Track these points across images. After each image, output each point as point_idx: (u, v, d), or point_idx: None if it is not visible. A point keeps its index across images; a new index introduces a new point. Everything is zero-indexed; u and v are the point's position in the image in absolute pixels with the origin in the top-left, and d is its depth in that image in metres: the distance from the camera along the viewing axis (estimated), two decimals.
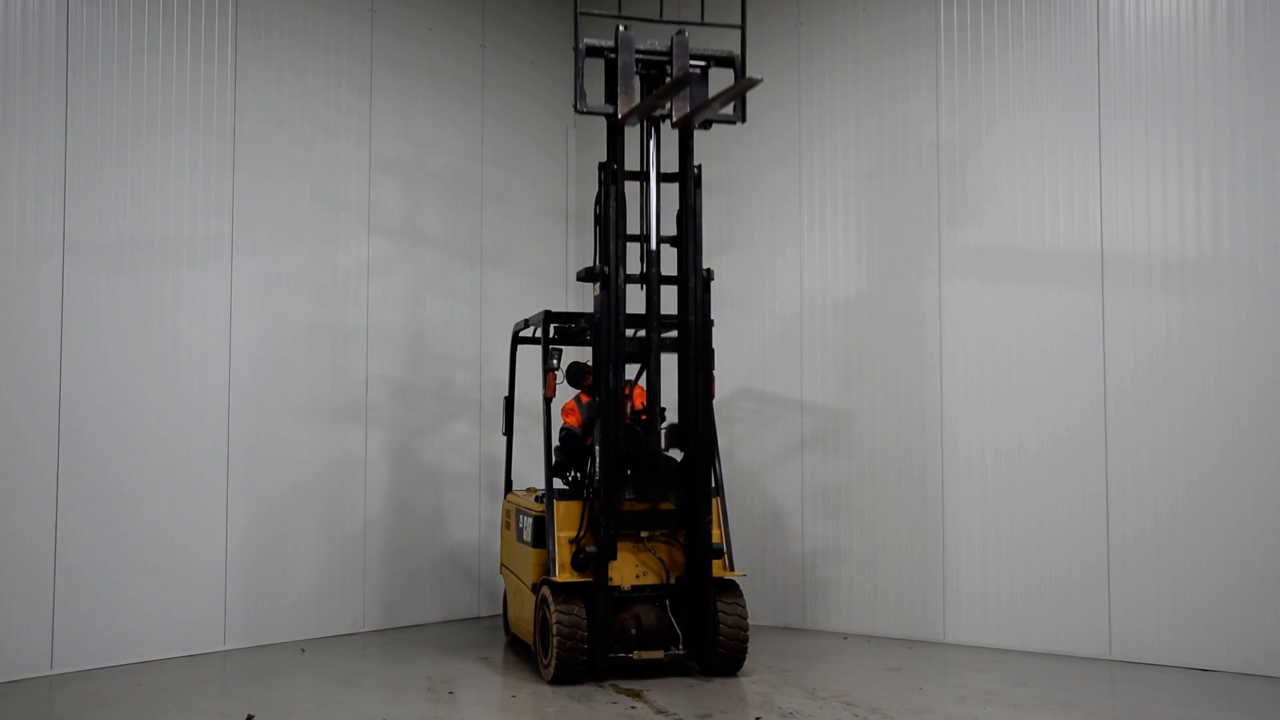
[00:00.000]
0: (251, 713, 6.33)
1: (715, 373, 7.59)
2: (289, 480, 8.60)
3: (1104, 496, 7.75)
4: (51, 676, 7.20)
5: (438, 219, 9.74)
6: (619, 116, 7.15)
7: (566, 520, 7.32)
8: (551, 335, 7.89)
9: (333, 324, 8.96)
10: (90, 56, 7.57)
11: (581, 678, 7.07)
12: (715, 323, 7.63)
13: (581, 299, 10.52)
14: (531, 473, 9.47)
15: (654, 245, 7.37)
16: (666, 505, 7.34)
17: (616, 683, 7.12)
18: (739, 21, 7.55)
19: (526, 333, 8.76)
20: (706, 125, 7.37)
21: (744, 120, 7.41)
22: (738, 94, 6.85)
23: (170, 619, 7.85)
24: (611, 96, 7.29)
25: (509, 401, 8.93)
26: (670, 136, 7.55)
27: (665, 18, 7.70)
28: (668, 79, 7.30)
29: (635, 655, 7.14)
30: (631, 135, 7.68)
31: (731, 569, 7.48)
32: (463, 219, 9.91)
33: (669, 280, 7.52)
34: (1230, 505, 7.28)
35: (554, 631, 6.98)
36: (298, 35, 8.80)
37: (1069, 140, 7.99)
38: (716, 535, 7.41)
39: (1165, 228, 7.58)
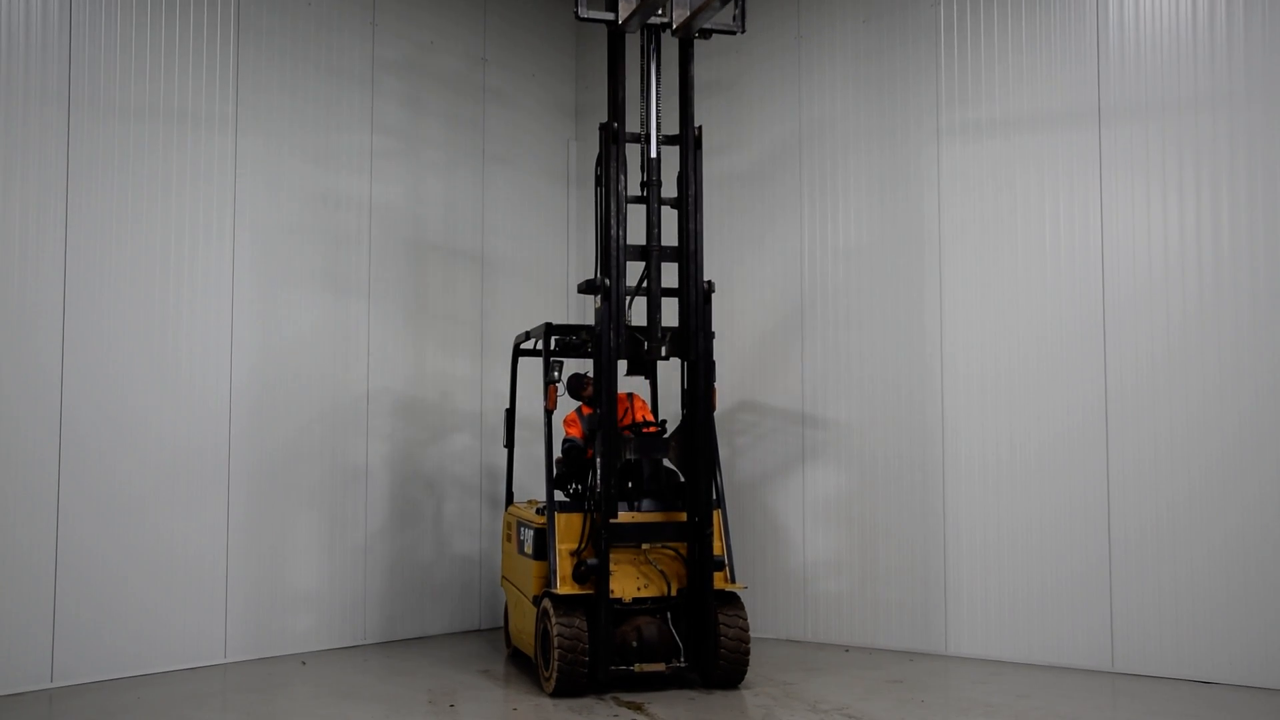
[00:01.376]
0: None
1: (716, 385, 7.57)
2: (290, 492, 8.60)
3: (1105, 506, 7.74)
4: (52, 690, 7.18)
5: (439, 225, 9.75)
6: (619, 22, 7.21)
7: (567, 532, 7.32)
8: (552, 347, 7.89)
9: (335, 336, 8.97)
10: (93, 46, 7.59)
11: (583, 690, 7.06)
12: (715, 335, 7.65)
13: (582, 312, 10.54)
14: (532, 485, 9.46)
15: (654, 153, 7.45)
16: (668, 517, 7.34)
17: (618, 695, 7.10)
18: None
19: (527, 345, 8.76)
20: (706, 35, 7.44)
21: (744, 30, 7.48)
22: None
23: (171, 631, 7.83)
24: (612, 4, 7.38)
25: (510, 414, 8.93)
26: (670, 95, 7.42)
27: None
28: None
29: (636, 668, 7.12)
30: (632, 103, 7.62)
31: (733, 581, 7.48)
32: (464, 223, 9.92)
33: (670, 293, 7.54)
34: (1229, 513, 7.28)
35: (555, 644, 6.96)
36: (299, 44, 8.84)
37: (1069, 153, 8.01)
38: (718, 547, 7.40)
39: (1165, 233, 7.59)
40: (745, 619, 7.29)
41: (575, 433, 8.04)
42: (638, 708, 6.79)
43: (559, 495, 7.78)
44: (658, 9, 7.22)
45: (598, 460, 7.28)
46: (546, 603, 7.22)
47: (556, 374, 7.78)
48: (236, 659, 8.17)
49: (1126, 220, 7.77)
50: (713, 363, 7.50)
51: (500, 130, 10.27)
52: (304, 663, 8.22)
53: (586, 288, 7.48)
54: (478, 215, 10.07)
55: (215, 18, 8.29)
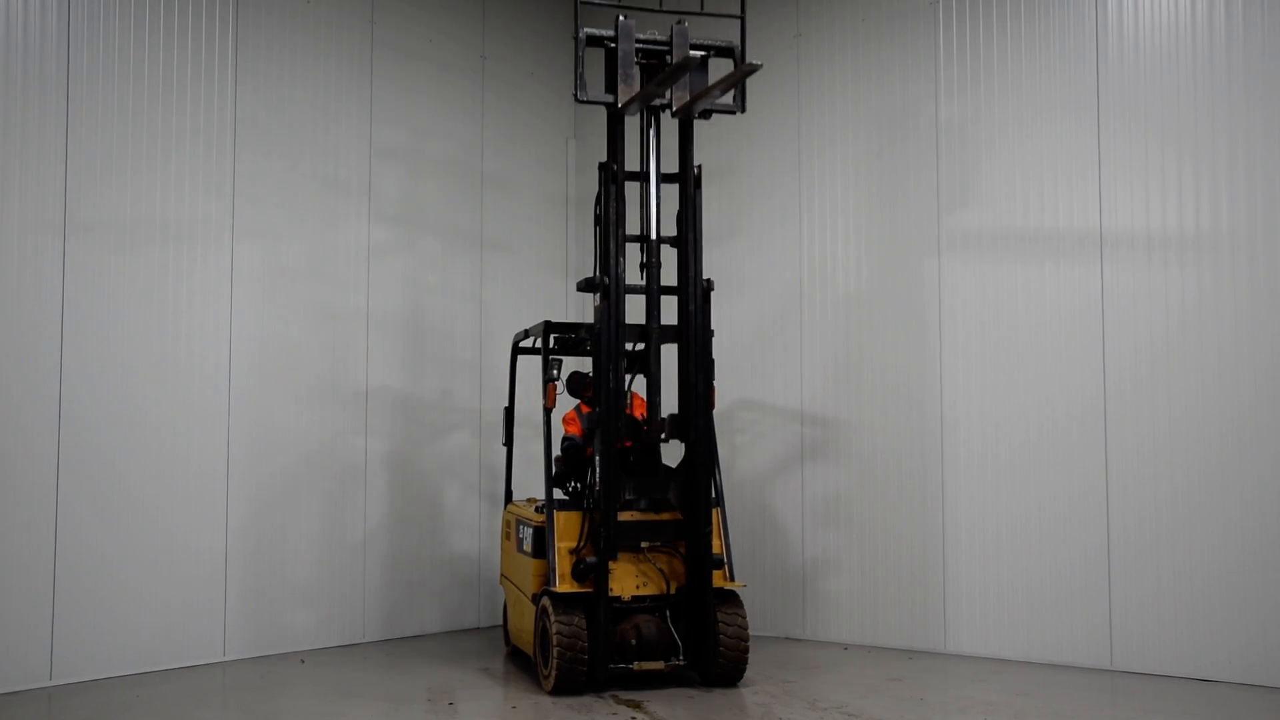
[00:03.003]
0: None
1: (716, 383, 7.58)
2: (290, 490, 8.60)
3: (1104, 504, 7.75)
4: (51, 688, 7.18)
5: (435, 214, 9.75)
6: (619, 105, 7.19)
7: (566, 531, 7.32)
8: (551, 345, 7.89)
9: (334, 333, 8.98)
10: (91, 41, 7.60)
11: (582, 688, 7.06)
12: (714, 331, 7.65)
13: (582, 310, 10.54)
14: (531, 483, 9.46)
15: (654, 236, 7.38)
16: (667, 515, 7.34)
17: (617, 693, 7.10)
18: (738, 11, 7.57)
19: (526, 343, 8.76)
20: (706, 115, 7.41)
21: (744, 110, 7.46)
22: (737, 80, 6.87)
23: (171, 629, 7.84)
24: (612, 86, 7.33)
25: (509, 412, 8.92)
26: (670, 132, 7.55)
27: (665, 8, 7.73)
28: (668, 61, 7.37)
29: (635, 666, 7.13)
30: (631, 135, 7.69)
31: (732, 579, 7.49)
32: (461, 220, 9.93)
33: (669, 290, 7.54)
34: (1227, 510, 7.29)
35: (554, 642, 6.97)
36: (298, 49, 8.83)
37: (1068, 150, 8.03)
38: (717, 546, 7.41)
39: (1164, 228, 7.60)
40: (744, 617, 7.29)
41: (575, 431, 8.03)
42: (637, 706, 6.80)
43: (558, 493, 7.76)
44: (656, 98, 7.25)
45: (597, 459, 7.27)
46: (545, 601, 7.22)
47: (555, 372, 7.78)
48: (236, 657, 8.18)
49: (1125, 216, 7.78)
50: (711, 361, 7.50)
51: (499, 125, 10.27)
52: (303, 661, 8.23)
53: (585, 286, 7.48)
54: (476, 209, 10.07)
55: (214, 22, 8.28)
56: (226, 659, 8.13)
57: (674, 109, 7.24)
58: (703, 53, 7.38)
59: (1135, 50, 7.77)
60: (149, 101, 7.91)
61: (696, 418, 7.35)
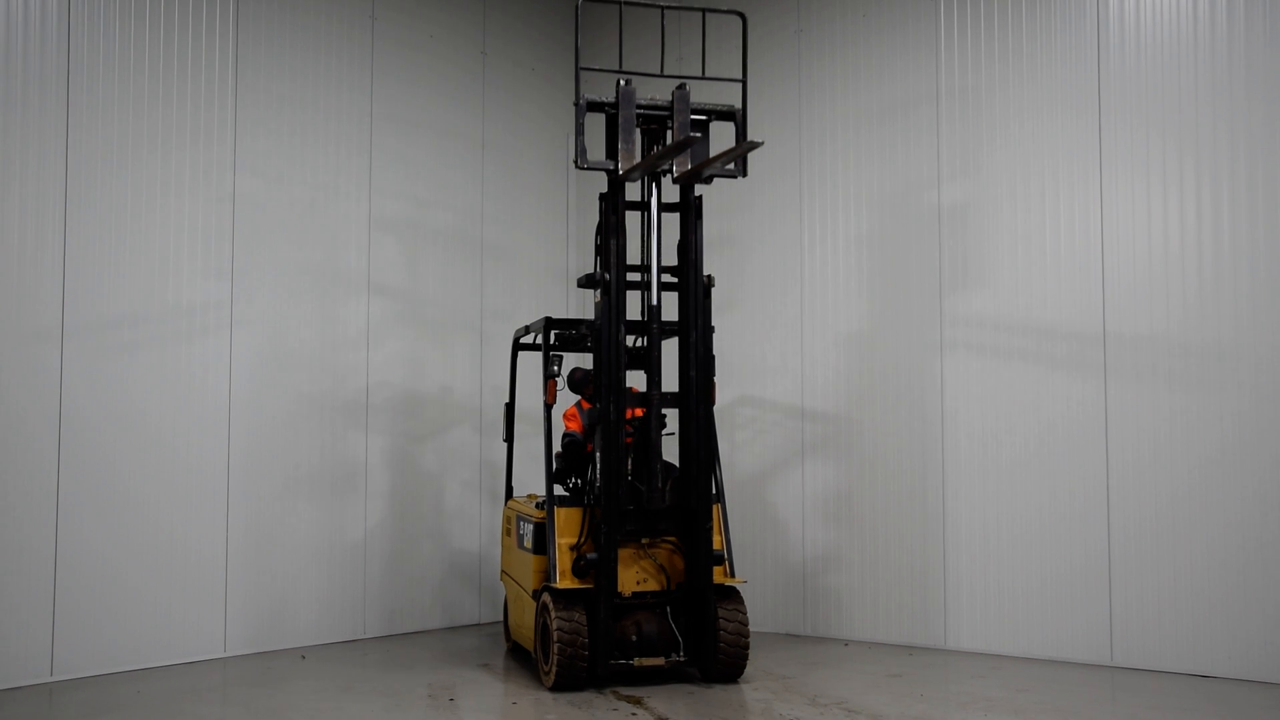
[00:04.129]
0: None
1: (715, 379, 7.59)
2: (290, 486, 8.61)
3: (1104, 500, 7.76)
4: (52, 684, 7.20)
5: (441, 211, 9.78)
6: (620, 173, 7.22)
7: (567, 527, 7.33)
8: (552, 342, 7.89)
9: (335, 330, 8.99)
10: (92, 37, 7.62)
11: (582, 684, 7.07)
12: (715, 329, 7.65)
13: (583, 307, 10.55)
14: (532, 479, 9.47)
15: (655, 267, 7.42)
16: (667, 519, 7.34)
17: (617, 689, 7.11)
18: (739, 75, 7.55)
19: (527, 339, 8.76)
20: (708, 180, 7.44)
21: (744, 175, 7.50)
22: (738, 155, 6.97)
23: (171, 625, 7.84)
24: (612, 151, 7.35)
25: (509, 408, 8.93)
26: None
27: (666, 72, 7.74)
28: (669, 132, 7.38)
29: (636, 662, 7.13)
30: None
31: (732, 575, 7.50)
32: (464, 212, 9.97)
33: (669, 287, 7.55)
34: (1228, 506, 7.29)
35: (555, 638, 6.98)
36: (299, 44, 8.84)
37: (1069, 147, 8.04)
38: (717, 542, 7.43)
39: (1166, 227, 7.60)
40: (745, 613, 7.31)
41: (575, 427, 8.03)
42: (637, 702, 6.81)
43: (558, 490, 7.78)
44: (657, 169, 7.26)
45: (597, 455, 7.28)
46: (546, 597, 7.23)
47: (556, 369, 7.78)
48: (236, 653, 8.19)
49: (1127, 214, 7.78)
50: (712, 357, 7.50)
51: (500, 119, 10.27)
52: (304, 657, 8.24)
53: (586, 282, 7.48)
54: (476, 205, 10.08)
55: (214, 10, 8.30)
56: (227, 654, 8.14)
57: (675, 176, 7.31)
58: (704, 117, 7.45)
59: (1137, 47, 7.76)
60: (149, 95, 7.92)
61: (696, 414, 7.35)
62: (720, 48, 9.23)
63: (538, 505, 7.74)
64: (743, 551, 9.17)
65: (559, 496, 7.51)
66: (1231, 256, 7.36)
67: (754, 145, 6.57)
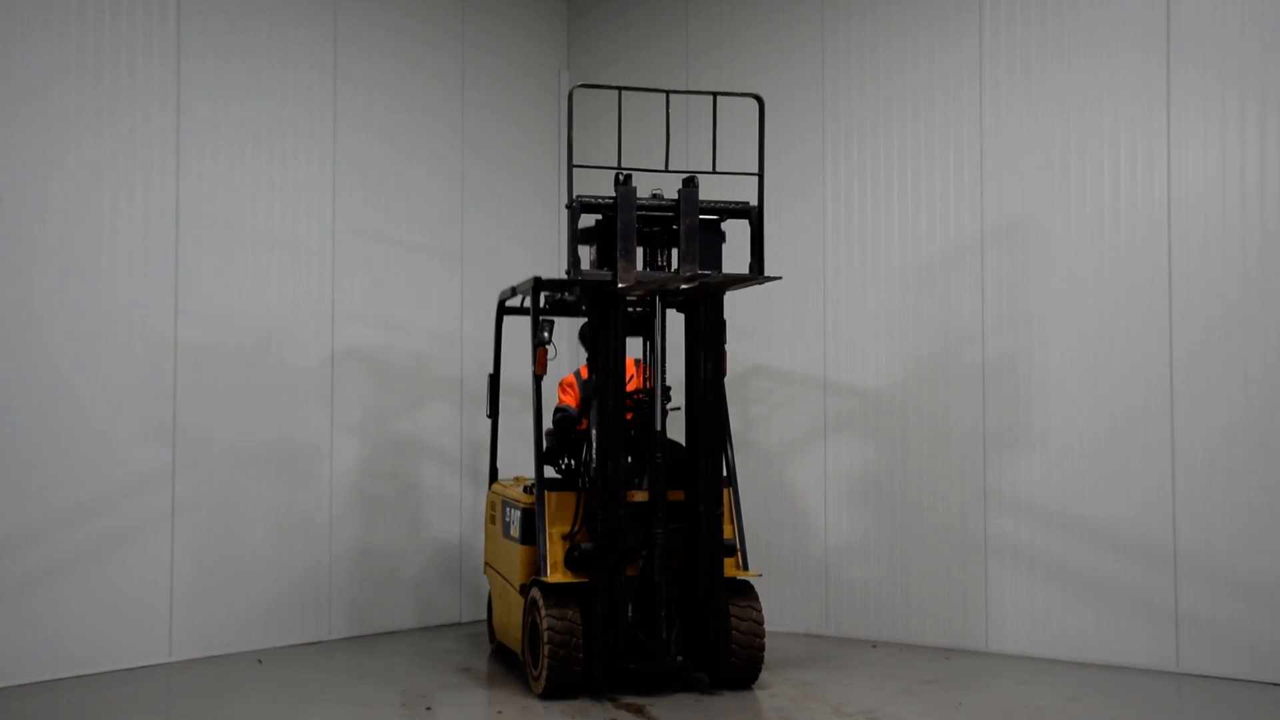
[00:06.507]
0: None
1: (728, 347, 7.56)
2: (244, 468, 8.57)
3: (1170, 487, 7.68)
4: None
5: (409, 162, 9.77)
6: (619, 286, 7.11)
7: (559, 513, 7.33)
8: (542, 305, 7.87)
9: (297, 290, 8.94)
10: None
11: (576, 691, 7.07)
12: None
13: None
14: (520, 461, 9.42)
15: (660, 425, 7.30)
16: (674, 496, 7.34)
17: (615, 697, 7.09)
18: (755, 168, 7.45)
19: (514, 302, 8.74)
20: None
21: (762, 279, 7.30)
22: (751, 285, 7.13)
23: (108, 627, 7.77)
24: (610, 261, 7.16)
25: (494, 380, 8.92)
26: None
27: (672, 167, 7.58)
28: (675, 229, 7.27)
29: (635, 665, 7.15)
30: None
31: (745, 568, 7.53)
32: (440, 163, 9.95)
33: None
34: None
35: (545, 639, 6.97)
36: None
37: (1133, 85, 7.92)
38: (728, 530, 7.45)
39: (1243, 177, 7.48)
40: (759, 610, 7.32)
41: (571, 401, 8.03)
42: (638, 710, 6.78)
43: (549, 471, 7.75)
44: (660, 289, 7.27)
45: (592, 432, 7.26)
46: (535, 592, 7.22)
47: (547, 335, 7.76)
48: (183, 657, 8.15)
49: (1198, 160, 7.65)
50: (723, 322, 7.47)
51: (483, 62, 10.29)
52: (260, 661, 8.23)
53: (582, 238, 7.39)
54: (457, 152, 10.05)
55: None
56: (173, 659, 8.11)
57: (680, 289, 7.26)
58: (716, 217, 7.38)
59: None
60: (78, 65, 7.76)
61: (705, 387, 7.33)
62: (733, 133, 9.00)
63: (526, 489, 7.73)
64: (757, 541, 9.16)
65: (550, 479, 7.49)
66: None
67: (770, 280, 6.93)
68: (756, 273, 7.26)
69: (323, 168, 9.10)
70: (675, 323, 7.53)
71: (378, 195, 9.47)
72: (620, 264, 7.07)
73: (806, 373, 9.33)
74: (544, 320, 7.78)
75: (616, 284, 7.08)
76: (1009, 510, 8.33)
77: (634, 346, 7.68)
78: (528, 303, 8.17)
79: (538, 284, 7.84)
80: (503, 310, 8.87)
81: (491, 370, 9.01)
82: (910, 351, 8.84)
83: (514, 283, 8.69)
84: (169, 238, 8.18)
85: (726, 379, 7.60)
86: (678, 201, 7.21)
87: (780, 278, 7.09)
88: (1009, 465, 8.33)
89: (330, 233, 9.12)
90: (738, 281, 7.07)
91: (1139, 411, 7.80)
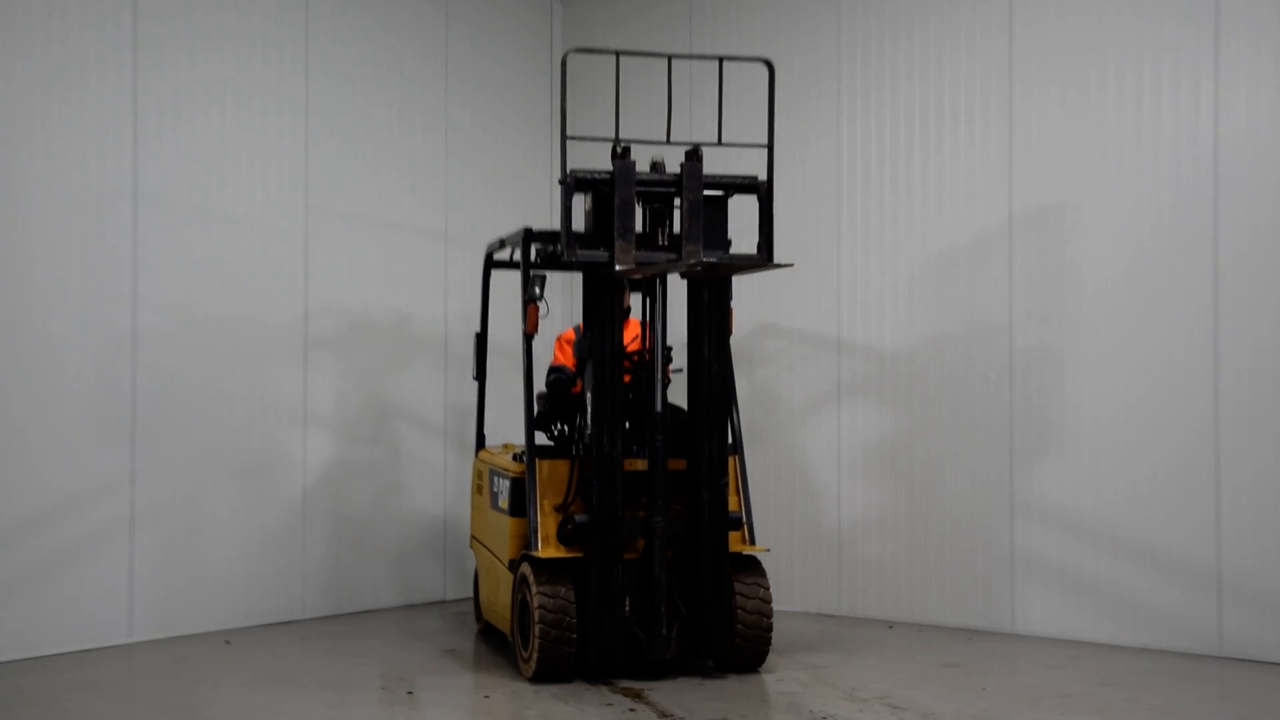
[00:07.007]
0: None
1: (733, 304, 7.43)
2: (211, 435, 8.46)
3: (1213, 457, 7.54)
4: None
5: (390, 106, 9.68)
6: (616, 268, 6.93)
7: (552, 483, 7.32)
8: (533, 258, 7.74)
9: (265, 240, 8.82)
10: None
11: (569, 674, 7.03)
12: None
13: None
14: (509, 427, 9.32)
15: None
16: (675, 465, 7.27)
17: (612, 681, 7.03)
18: (764, 140, 7.20)
19: (502, 255, 8.59)
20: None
21: (770, 264, 7.19)
22: (757, 270, 7.05)
23: (62, 606, 7.63)
24: (606, 240, 6.94)
25: (481, 339, 8.89)
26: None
27: (674, 139, 7.34)
28: (676, 206, 7.15)
29: None
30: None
31: (752, 543, 7.52)
32: (421, 101, 9.90)
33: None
34: None
35: (536, 618, 6.91)
36: None
37: (1177, 12, 7.73)
38: (734, 503, 7.43)
39: None
40: (767, 588, 7.30)
41: (566, 360, 8.00)
42: (636, 695, 6.71)
43: (541, 438, 7.70)
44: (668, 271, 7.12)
45: (587, 395, 7.17)
46: (526, 568, 7.17)
47: (538, 290, 7.66)
48: (144, 638, 8.05)
49: (1249, 98, 7.43)
50: (729, 293, 7.37)
51: (470, 33, 10.29)
52: (228, 642, 8.16)
53: (575, 185, 7.22)
54: (440, 89, 9.95)
55: None
56: (133, 640, 8.01)
57: (683, 273, 7.11)
58: (720, 192, 7.19)
59: None
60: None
61: (708, 349, 7.24)
62: (741, 101, 8.73)
63: (515, 457, 7.64)
64: (765, 514, 9.08)
65: (541, 447, 7.47)
66: None
67: (779, 267, 6.84)
68: (765, 256, 7.14)
69: (294, 121, 8.99)
70: (678, 284, 7.40)
71: (352, 147, 9.40)
72: (618, 244, 6.91)
73: (819, 331, 9.29)
74: (535, 275, 7.67)
75: (614, 266, 6.94)
76: (1037, 478, 8.26)
77: (634, 300, 7.63)
78: (517, 255, 8.02)
79: (528, 235, 7.69)
80: (490, 263, 8.78)
81: (478, 329, 8.98)
82: (931, 307, 8.79)
83: (503, 234, 8.57)
84: (128, 194, 8.03)
85: (732, 338, 7.51)
86: (680, 176, 7.08)
87: (791, 265, 6.99)
88: (1039, 428, 8.25)
89: (303, 188, 9.00)
90: (745, 268, 7.00)
91: (1183, 373, 7.69)
